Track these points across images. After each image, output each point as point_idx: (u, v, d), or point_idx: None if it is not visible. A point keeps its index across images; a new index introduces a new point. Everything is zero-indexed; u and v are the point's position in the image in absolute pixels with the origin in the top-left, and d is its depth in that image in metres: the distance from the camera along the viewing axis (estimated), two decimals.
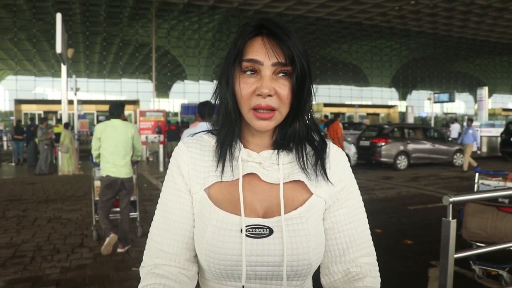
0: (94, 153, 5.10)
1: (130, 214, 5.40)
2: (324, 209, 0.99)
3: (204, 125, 4.35)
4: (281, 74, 0.90)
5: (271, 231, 0.91)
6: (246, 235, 0.90)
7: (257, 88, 0.89)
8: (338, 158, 1.03)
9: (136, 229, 5.73)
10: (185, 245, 0.97)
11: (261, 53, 0.89)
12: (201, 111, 4.58)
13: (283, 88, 0.90)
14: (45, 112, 27.36)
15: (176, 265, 0.96)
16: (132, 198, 5.54)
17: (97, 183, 5.50)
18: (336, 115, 13.51)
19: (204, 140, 1.03)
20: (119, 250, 5.02)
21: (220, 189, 0.96)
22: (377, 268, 1.02)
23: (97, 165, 5.27)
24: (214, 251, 0.90)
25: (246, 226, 0.91)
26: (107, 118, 5.13)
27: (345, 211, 1.00)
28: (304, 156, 0.97)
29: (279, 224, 0.91)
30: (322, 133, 1.03)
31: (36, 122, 21.67)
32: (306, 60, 0.91)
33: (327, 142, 1.03)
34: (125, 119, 5.27)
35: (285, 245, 0.90)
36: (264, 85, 0.88)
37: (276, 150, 0.98)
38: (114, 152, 4.95)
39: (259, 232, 0.91)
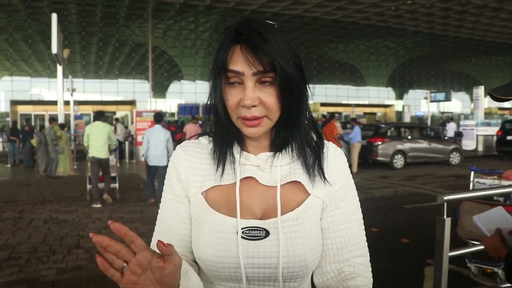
0: (85, 144, 8.11)
1: (112, 185, 8.46)
2: (321, 209, 0.98)
3: (158, 126, 7.83)
4: (266, 83, 0.88)
5: (267, 233, 0.91)
6: (242, 237, 0.90)
7: (241, 99, 0.88)
8: (337, 158, 1.02)
9: (116, 195, 8.48)
10: (185, 249, 0.98)
11: (241, 63, 0.86)
12: (155, 118, 8.15)
13: (269, 97, 0.88)
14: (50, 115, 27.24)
15: None
16: (113, 174, 8.58)
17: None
18: (332, 115, 13.53)
19: (202, 143, 1.03)
20: (104, 196, 8.07)
21: (218, 192, 0.96)
22: (370, 269, 1.01)
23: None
24: (211, 254, 0.90)
25: (242, 228, 0.90)
26: (93, 120, 8.47)
27: (342, 211, 1.00)
28: (305, 155, 0.97)
29: (275, 226, 0.91)
30: (320, 133, 1.03)
31: (32, 123, 21.62)
32: (293, 61, 0.88)
33: (325, 142, 1.03)
34: (104, 121, 8.34)
35: (280, 247, 0.89)
36: (247, 97, 0.86)
37: (274, 153, 0.97)
38: (98, 142, 7.90)
39: (255, 234, 0.90)
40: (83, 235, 5.84)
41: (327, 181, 0.98)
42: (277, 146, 0.97)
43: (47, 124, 13.84)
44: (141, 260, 0.70)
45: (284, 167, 0.97)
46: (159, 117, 8.06)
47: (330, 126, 12.38)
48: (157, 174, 7.83)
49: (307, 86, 0.94)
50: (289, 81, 0.88)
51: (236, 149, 0.97)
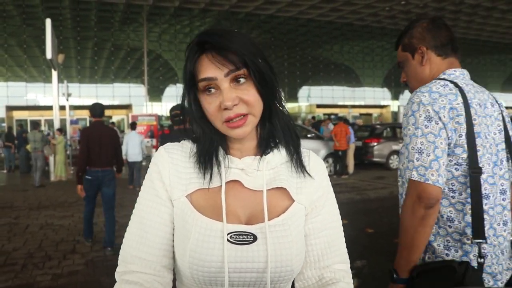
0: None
1: None
2: (304, 215, 1.00)
3: (134, 133, 10.37)
4: (240, 81, 0.90)
5: (255, 238, 0.91)
6: (230, 241, 0.90)
7: (220, 103, 0.89)
8: (318, 166, 1.05)
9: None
10: (162, 252, 0.95)
11: (211, 68, 0.89)
12: (131, 125, 10.83)
13: (247, 93, 0.90)
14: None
15: (151, 272, 0.94)
16: None
17: None
18: (333, 118, 13.64)
19: (185, 146, 1.02)
20: None
21: (203, 196, 0.95)
22: (351, 275, 1.03)
23: None
24: (198, 258, 0.89)
25: (230, 233, 0.90)
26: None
27: (322, 218, 1.01)
28: (290, 160, 1.00)
29: (263, 231, 0.92)
30: (297, 134, 1.03)
31: (28, 129, 21.54)
32: (259, 55, 0.91)
33: (306, 150, 1.05)
34: None
35: (269, 252, 0.90)
36: (226, 98, 0.88)
37: (259, 156, 0.98)
38: None
39: (243, 239, 0.91)
40: (79, 240, 5.83)
41: (310, 188, 1.00)
42: (262, 149, 0.98)
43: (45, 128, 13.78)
44: None
45: (269, 171, 0.97)
46: (134, 125, 10.88)
47: (341, 127, 12.41)
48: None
49: (275, 78, 0.95)
50: (261, 73, 0.90)
51: (220, 152, 0.97)
